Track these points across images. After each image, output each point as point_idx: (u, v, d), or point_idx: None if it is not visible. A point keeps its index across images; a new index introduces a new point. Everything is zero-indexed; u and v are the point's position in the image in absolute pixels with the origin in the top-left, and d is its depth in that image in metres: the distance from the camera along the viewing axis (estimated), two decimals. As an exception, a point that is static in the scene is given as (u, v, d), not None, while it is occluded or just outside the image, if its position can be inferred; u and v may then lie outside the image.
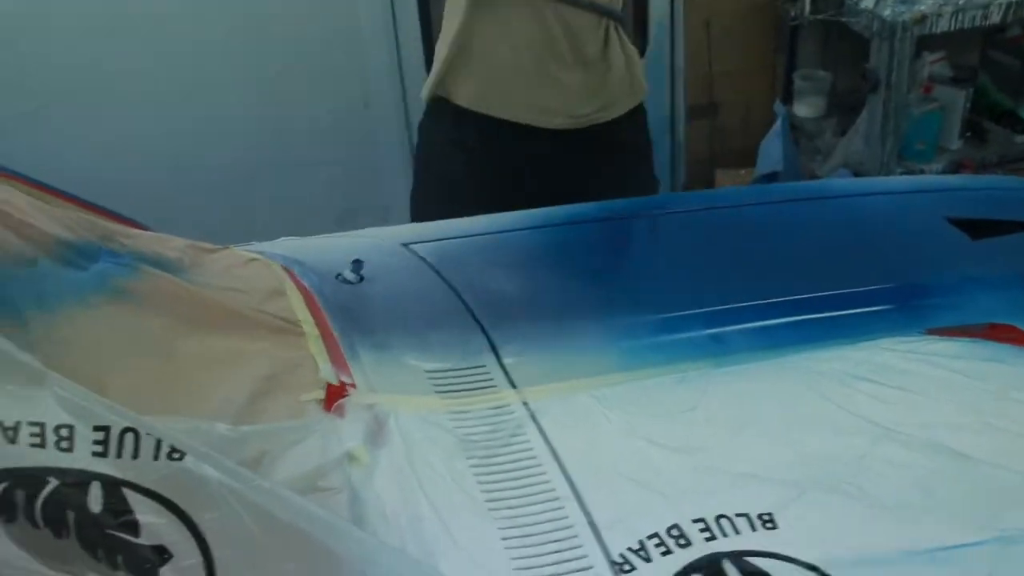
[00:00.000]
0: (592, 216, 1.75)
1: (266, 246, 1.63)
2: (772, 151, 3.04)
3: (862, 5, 2.82)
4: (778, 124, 3.03)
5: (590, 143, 1.99)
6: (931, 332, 1.43)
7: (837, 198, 1.82)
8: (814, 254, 1.64)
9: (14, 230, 1.24)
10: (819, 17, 2.96)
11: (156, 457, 0.88)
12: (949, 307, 1.50)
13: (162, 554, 0.84)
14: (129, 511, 0.85)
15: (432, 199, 2.05)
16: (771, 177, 3.07)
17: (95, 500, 0.85)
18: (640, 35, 3.25)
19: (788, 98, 3.37)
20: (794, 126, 3.31)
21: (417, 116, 3.08)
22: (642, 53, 3.27)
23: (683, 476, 1.17)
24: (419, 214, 2.07)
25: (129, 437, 0.89)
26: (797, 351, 1.37)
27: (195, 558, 0.85)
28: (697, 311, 1.45)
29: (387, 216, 3.21)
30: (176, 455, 0.87)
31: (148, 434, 0.88)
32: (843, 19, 2.88)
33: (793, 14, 3.05)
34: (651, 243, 1.67)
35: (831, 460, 1.19)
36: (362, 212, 2.84)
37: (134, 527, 0.85)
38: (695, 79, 3.33)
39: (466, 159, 1.98)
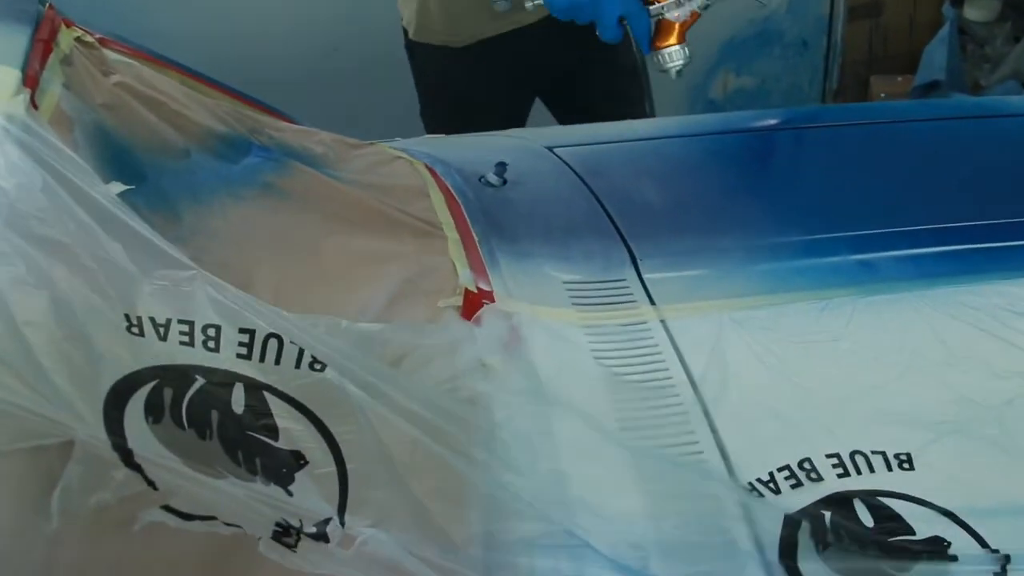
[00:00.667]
0: (741, 126, 1.69)
1: (411, 143, 1.63)
2: (936, 58, 2.87)
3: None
4: (945, 29, 2.85)
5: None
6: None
7: (1006, 117, 1.71)
8: (975, 179, 1.55)
9: (169, 121, 1.27)
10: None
11: (298, 365, 0.90)
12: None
13: (299, 459, 0.86)
14: (269, 414, 0.88)
15: (442, 119, 2.01)
16: (932, 86, 2.90)
17: (238, 401, 0.88)
18: (804, -74, 3.09)
19: (958, 2, 3.16)
20: (963, 30, 3.11)
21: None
22: (804, -54, 3.12)
23: (820, 409, 1.15)
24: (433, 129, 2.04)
25: (273, 343, 0.91)
26: (951, 283, 1.31)
27: (330, 467, 0.87)
28: (846, 234, 1.40)
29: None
30: (317, 366, 0.89)
31: (292, 342, 0.90)
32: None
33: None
34: (800, 158, 1.60)
35: (978, 402, 1.15)
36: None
37: (274, 431, 0.87)
38: (859, -25, 3.16)
39: (466, 81, 1.95)
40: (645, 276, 1.33)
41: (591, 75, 2.00)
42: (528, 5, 1.36)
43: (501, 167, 1.50)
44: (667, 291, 1.30)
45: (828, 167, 1.58)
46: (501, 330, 1.20)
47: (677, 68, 1.29)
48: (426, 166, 1.51)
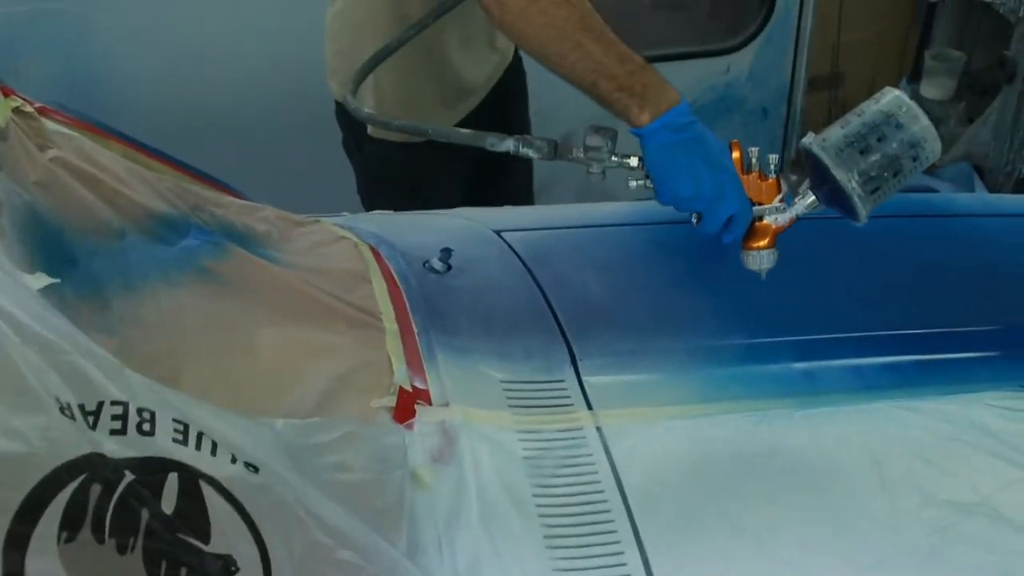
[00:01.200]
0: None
1: (359, 219, 1.61)
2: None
3: (1010, -12, 2.64)
4: (902, 108, 2.88)
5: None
6: (1040, 386, 1.36)
7: (955, 217, 1.73)
8: (920, 282, 1.55)
9: (106, 199, 1.24)
10: (960, -2, 2.78)
11: (233, 462, 0.87)
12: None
13: (230, 567, 0.83)
14: (204, 511, 0.84)
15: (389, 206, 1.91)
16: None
17: (170, 496, 0.84)
18: (767, -2, 3.11)
19: (916, 76, 3.20)
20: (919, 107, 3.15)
21: (532, 64, 3.03)
22: (768, 17, 3.14)
23: (752, 531, 1.14)
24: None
25: (206, 440, 0.88)
26: (890, 397, 1.31)
27: (257, 572, 0.84)
28: (787, 339, 1.40)
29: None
30: (252, 468, 0.87)
31: (224, 442, 0.88)
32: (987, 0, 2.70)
33: (934, -10, 2.88)
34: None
35: (912, 530, 1.14)
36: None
37: (206, 532, 0.84)
38: (820, 48, 3.18)
39: (420, 173, 1.94)
40: (584, 378, 1.32)
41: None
42: (632, 185, 1.28)
43: (446, 253, 1.49)
44: (605, 395, 1.29)
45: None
46: (433, 438, 1.18)
47: (765, 270, 1.27)
48: (370, 247, 1.50)
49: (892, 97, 1.20)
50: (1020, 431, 1.27)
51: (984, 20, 3.00)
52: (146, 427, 0.85)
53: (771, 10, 3.10)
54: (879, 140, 1.17)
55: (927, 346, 1.41)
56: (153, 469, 0.85)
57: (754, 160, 1.25)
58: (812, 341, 1.39)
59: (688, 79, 3.20)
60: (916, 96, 3.15)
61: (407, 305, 1.38)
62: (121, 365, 0.88)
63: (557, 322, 1.40)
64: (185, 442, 0.87)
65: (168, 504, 0.83)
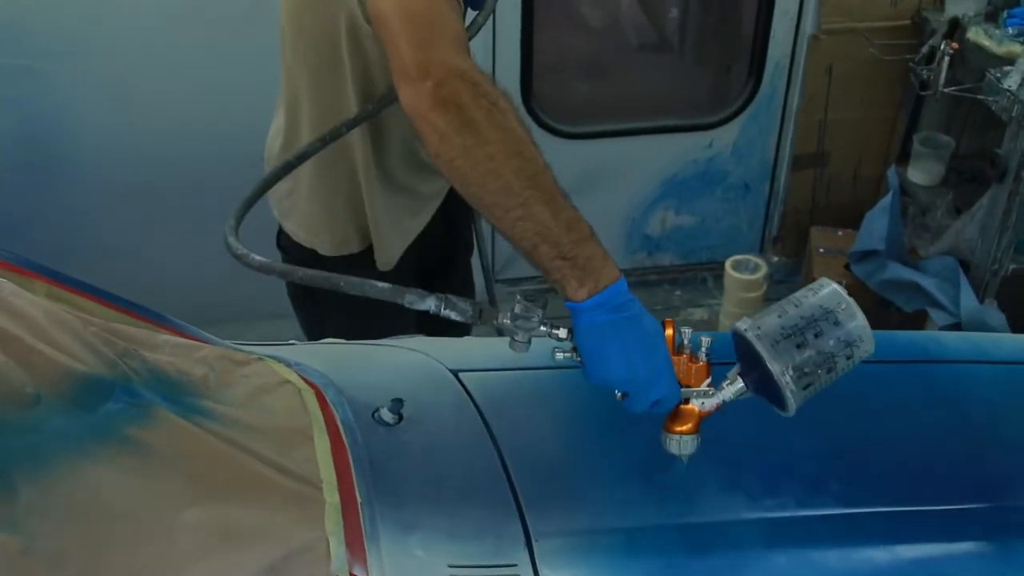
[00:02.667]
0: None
1: (306, 353, 1.51)
2: (876, 227, 2.82)
3: (1005, 84, 2.56)
4: (888, 199, 2.81)
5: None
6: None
7: (937, 363, 1.63)
8: (886, 447, 1.45)
9: (20, 360, 1.13)
10: (953, 91, 2.70)
11: None
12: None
13: None
14: None
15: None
16: (869, 254, 2.85)
17: None
18: (755, 74, 3.03)
19: (904, 159, 3.12)
20: (906, 191, 3.08)
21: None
22: (754, 93, 3.06)
23: None
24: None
25: None
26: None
27: None
28: (736, 518, 1.30)
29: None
30: None
31: None
32: (980, 96, 2.62)
33: (925, 78, 2.79)
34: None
35: None
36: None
37: None
38: (806, 126, 3.11)
39: None
40: (538, 560, 1.21)
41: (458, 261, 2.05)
42: (559, 356, 1.21)
43: (397, 403, 1.38)
44: (559, 584, 1.19)
45: (735, 425, 1.47)
46: (368, 644, 1.08)
47: (686, 455, 1.21)
48: (316, 392, 1.39)
49: (830, 291, 1.16)
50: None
51: (974, 107, 2.92)
52: None
53: (757, 86, 3.03)
54: (816, 336, 1.13)
55: (888, 531, 1.30)
56: None
57: (686, 341, 1.21)
58: (760, 521, 1.30)
59: (670, 152, 3.13)
60: (904, 180, 3.08)
61: (352, 469, 1.27)
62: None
63: (513, 491, 1.29)
64: None
65: None
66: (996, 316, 2.60)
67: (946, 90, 2.68)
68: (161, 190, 2.74)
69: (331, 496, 1.23)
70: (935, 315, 2.70)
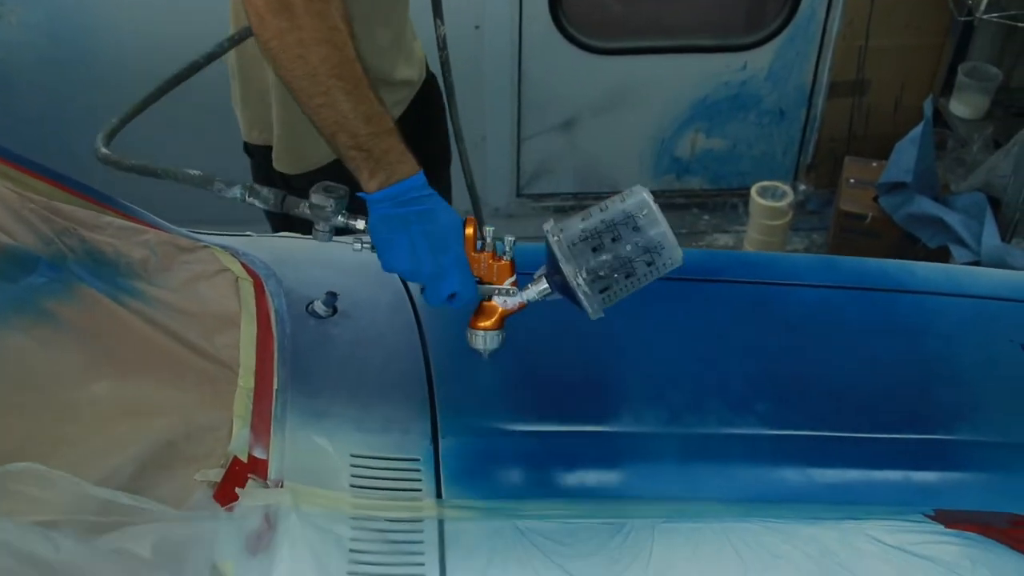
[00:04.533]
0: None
1: (255, 245, 1.53)
2: (904, 158, 2.72)
3: (1049, 13, 2.44)
4: (918, 129, 2.70)
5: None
6: (940, 514, 1.24)
7: (903, 293, 1.59)
8: (839, 373, 1.43)
9: (-51, 229, 1.18)
10: (994, 17, 2.58)
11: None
12: (975, 484, 1.31)
13: None
14: None
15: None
16: (897, 186, 2.76)
17: None
18: (793, -5, 2.93)
19: (947, 90, 3.00)
20: (946, 124, 2.97)
21: (531, 43, 2.91)
22: (792, 14, 2.97)
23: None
24: None
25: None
26: (768, 515, 1.21)
27: None
28: (669, 431, 1.29)
29: (482, 146, 3.06)
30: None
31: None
32: (1020, 24, 2.50)
33: (968, 1, 2.67)
34: (650, 317, 1.45)
35: None
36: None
37: None
38: (845, 52, 2.99)
39: None
40: (442, 458, 1.23)
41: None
42: (355, 246, 1.25)
43: (331, 297, 1.40)
44: (460, 482, 1.21)
45: (679, 333, 1.46)
46: (252, 523, 1.10)
47: (489, 351, 1.25)
48: (256, 282, 1.42)
49: (639, 199, 1.16)
50: (902, 570, 1.16)
51: (1025, 39, 2.79)
52: None
53: (795, 8, 2.93)
54: (613, 240, 1.15)
55: (824, 454, 1.30)
56: None
57: (489, 240, 1.23)
58: (696, 436, 1.29)
59: (702, 73, 3.06)
60: (945, 112, 2.96)
61: (274, 355, 1.30)
62: None
63: (430, 390, 1.31)
64: None
65: None
66: (1019, 255, 2.50)
67: (985, 16, 2.56)
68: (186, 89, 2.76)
69: (246, 381, 1.26)
70: (956, 252, 2.62)
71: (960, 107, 2.95)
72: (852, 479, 1.29)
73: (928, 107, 2.75)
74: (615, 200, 1.16)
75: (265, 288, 1.42)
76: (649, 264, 1.14)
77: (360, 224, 1.23)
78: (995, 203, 2.66)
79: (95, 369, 1.19)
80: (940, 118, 2.99)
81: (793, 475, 1.28)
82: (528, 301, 1.23)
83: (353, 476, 1.20)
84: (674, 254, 1.15)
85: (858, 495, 1.27)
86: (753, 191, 3.02)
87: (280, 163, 1.81)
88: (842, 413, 1.36)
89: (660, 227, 1.14)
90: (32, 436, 1.10)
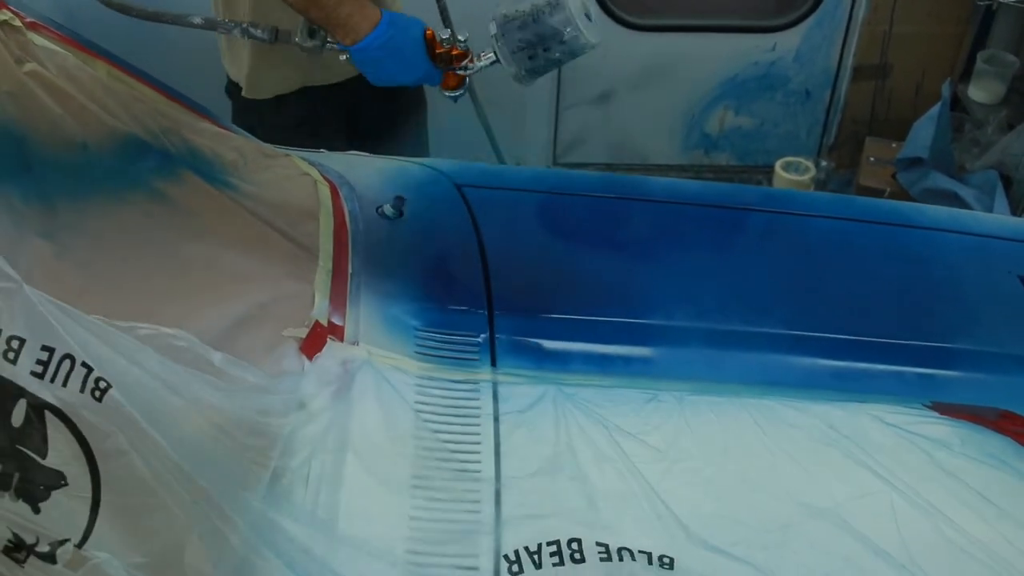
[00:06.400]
0: (654, 194, 1.74)
1: (330, 158, 1.70)
2: (922, 135, 2.88)
3: (1064, 0, 2.59)
4: (936, 108, 2.85)
5: None
6: (936, 406, 1.39)
7: (912, 228, 1.74)
8: (848, 287, 1.58)
9: (73, 114, 1.35)
10: (1013, 2, 2.73)
11: (82, 389, 0.98)
12: (970, 383, 1.45)
13: (61, 479, 0.95)
14: (44, 433, 0.96)
15: None
16: (915, 162, 2.91)
17: (19, 415, 0.96)
18: (822, -21, 3.09)
19: (966, 76, 3.15)
20: (964, 108, 3.11)
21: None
22: (820, 0, 3.12)
23: (609, 498, 1.21)
24: None
25: (66, 363, 0.99)
26: (783, 396, 1.36)
27: (86, 493, 0.95)
28: (698, 325, 1.45)
29: (522, 114, 3.22)
30: (97, 393, 0.97)
31: (83, 364, 0.99)
32: (1038, 11, 2.65)
33: (988, -8, 2.83)
34: (687, 235, 1.64)
35: (755, 522, 1.21)
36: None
37: (43, 449, 0.95)
38: (870, 36, 3.15)
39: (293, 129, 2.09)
40: (497, 335, 1.39)
41: (397, 126, 2.29)
42: (342, 59, 1.70)
43: (399, 201, 1.57)
44: (510, 355, 1.37)
45: (712, 249, 1.62)
46: (332, 371, 1.27)
47: (457, 98, 1.79)
48: (331, 187, 1.58)
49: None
50: (897, 446, 1.31)
51: (1043, 28, 2.93)
52: (11, 356, 0.98)
53: (821, -7, 3.09)
54: (534, 20, 1.62)
55: (836, 351, 1.45)
56: (7, 392, 0.97)
57: (444, 37, 1.72)
58: (720, 330, 1.44)
59: (733, 52, 3.21)
60: (964, 97, 3.11)
61: (348, 246, 1.47)
62: (21, 284, 1.00)
63: (486, 277, 1.47)
64: (42, 375, 0.98)
65: (16, 421, 0.96)
66: (1028, 229, 2.64)
67: (1004, 1, 2.71)
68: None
69: (325, 263, 1.43)
70: (969, 224, 2.76)
71: (978, 92, 3.10)
72: (859, 370, 1.43)
73: (946, 89, 2.90)
74: None
75: (339, 191, 1.58)
76: (562, 42, 1.62)
77: (343, 57, 1.70)
78: (1007, 180, 2.81)
79: (199, 239, 1.36)
80: (958, 103, 3.14)
81: (806, 365, 1.43)
82: (481, 68, 1.72)
83: (418, 345, 1.36)
84: (584, 39, 1.61)
85: (864, 386, 1.41)
86: (777, 166, 3.17)
87: (249, 90, 2.01)
88: (852, 319, 1.51)
89: (569, 9, 1.59)
90: (141, 287, 1.28)
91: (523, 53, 1.65)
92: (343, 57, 1.70)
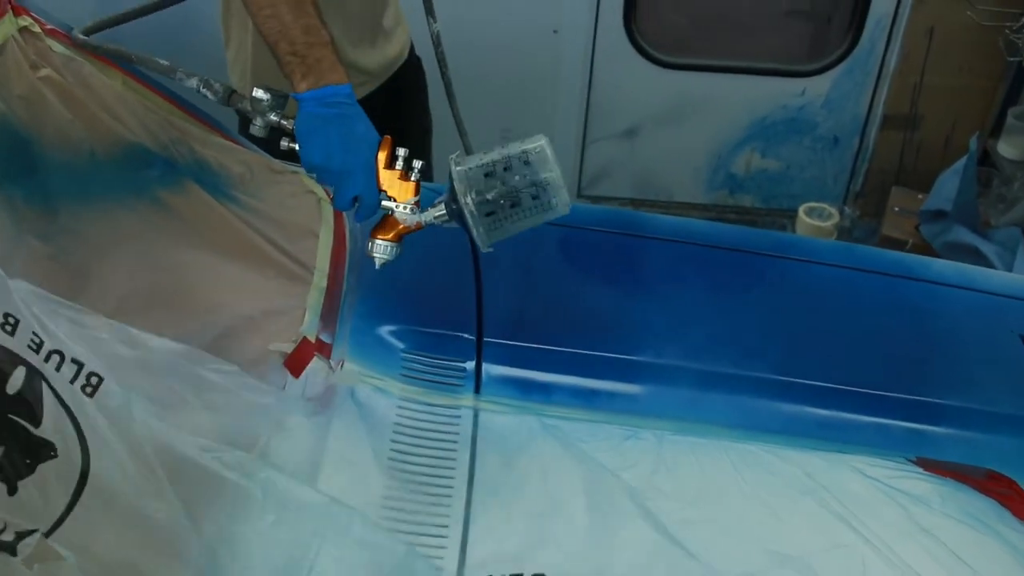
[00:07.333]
0: (658, 231, 1.74)
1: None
2: (947, 188, 2.86)
3: (1095, 61, 2.57)
4: (963, 161, 2.84)
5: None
6: (920, 461, 1.39)
7: (915, 280, 1.73)
8: (843, 336, 1.58)
9: (83, 120, 1.38)
10: (1044, 60, 2.71)
11: (73, 382, 1.01)
12: (958, 441, 1.44)
13: (50, 451, 0.97)
14: (40, 400, 0.98)
15: None
16: (938, 214, 2.89)
17: (15, 383, 0.99)
18: (855, 28, 3.08)
19: (997, 131, 3.13)
20: (992, 164, 3.09)
21: (603, 51, 3.10)
22: (852, 47, 3.12)
23: (578, 536, 1.22)
24: None
25: (55, 356, 1.02)
26: (764, 441, 1.36)
27: (74, 468, 0.97)
28: (687, 365, 1.45)
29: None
30: (88, 389, 1.00)
31: (73, 360, 1.01)
32: (1068, 71, 2.63)
33: (1020, 46, 2.81)
34: (686, 274, 1.63)
35: (721, 566, 1.20)
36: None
37: (37, 418, 0.98)
38: (900, 86, 3.14)
39: None
40: (484, 363, 1.40)
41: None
42: (283, 143, 1.37)
43: (399, 224, 1.57)
44: (495, 384, 1.38)
45: (707, 291, 1.62)
46: (316, 388, 1.29)
47: (381, 261, 1.34)
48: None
49: (536, 140, 1.26)
50: (875, 499, 1.31)
51: (1076, 87, 2.91)
52: (8, 328, 1.00)
53: (855, 41, 3.08)
54: (505, 170, 1.25)
55: (823, 400, 1.44)
56: (7, 358, 1.00)
57: (400, 160, 1.33)
58: (706, 372, 1.44)
59: (762, 95, 3.21)
60: (993, 152, 3.09)
61: (346, 264, 1.49)
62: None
63: (479, 306, 1.48)
64: (37, 352, 1.00)
65: (11, 389, 0.98)
66: (1048, 289, 2.61)
67: (1034, 58, 2.69)
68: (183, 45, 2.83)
69: (319, 280, 1.45)
70: (988, 281, 2.73)
71: (1008, 148, 3.08)
72: (845, 421, 1.42)
73: (974, 143, 2.88)
74: (515, 142, 1.28)
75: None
76: (535, 198, 1.26)
77: (289, 125, 1.35)
78: (1029, 238, 2.78)
79: (195, 249, 1.39)
80: (987, 157, 3.12)
81: (792, 412, 1.43)
82: (425, 223, 1.34)
83: (404, 368, 1.38)
84: (561, 195, 1.25)
85: (849, 436, 1.40)
86: (801, 211, 3.17)
87: None
88: (843, 369, 1.50)
89: (550, 168, 1.25)
90: (134, 292, 1.30)
91: (487, 206, 1.27)
92: (285, 143, 1.35)
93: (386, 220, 1.35)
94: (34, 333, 1.03)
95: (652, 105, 3.24)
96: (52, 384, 1.03)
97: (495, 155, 1.27)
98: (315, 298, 1.41)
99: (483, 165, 1.26)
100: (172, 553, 1.01)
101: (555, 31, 3.07)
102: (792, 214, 3.31)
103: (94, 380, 1.05)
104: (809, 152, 3.33)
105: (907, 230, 3.05)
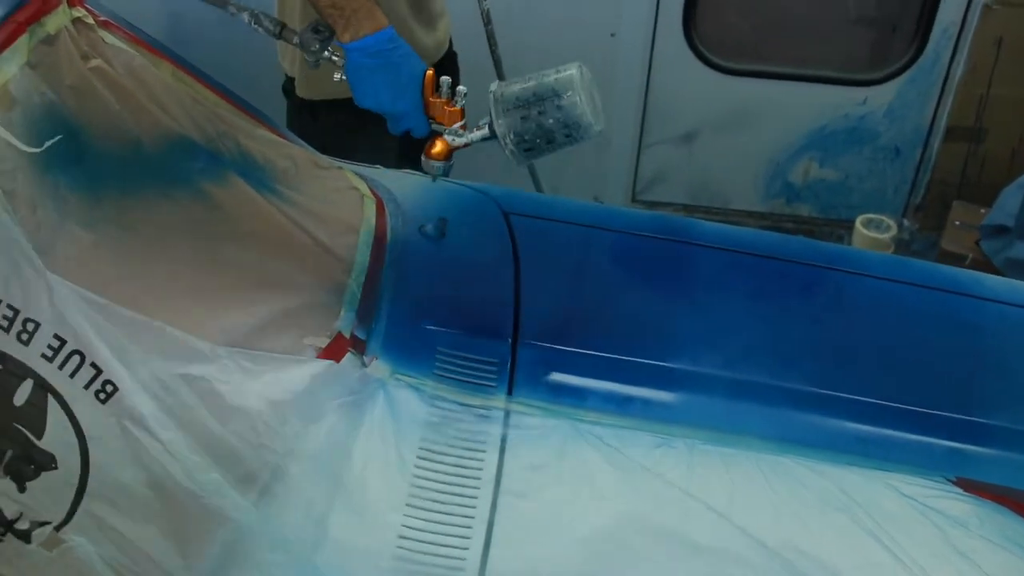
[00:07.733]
0: (702, 238, 1.72)
1: (382, 175, 1.73)
2: (1009, 202, 2.79)
3: None
4: (1025, 176, 2.77)
5: None
6: (960, 481, 1.35)
7: (966, 296, 1.69)
8: (887, 351, 1.54)
9: (131, 111, 1.40)
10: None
11: (87, 387, 1.02)
12: (1002, 462, 1.40)
13: (52, 462, 0.98)
14: (44, 416, 1.00)
15: None
16: (1000, 230, 2.82)
17: (22, 395, 1.00)
18: (920, 37, 3.02)
19: (1066, 146, 3.06)
20: (1060, 179, 3.01)
21: (662, 55, 3.08)
22: (917, 56, 3.06)
23: (604, 548, 1.21)
24: None
25: (75, 358, 1.03)
26: (798, 454, 1.34)
27: (74, 482, 0.98)
28: (723, 374, 1.43)
29: (607, 148, 3.23)
30: (103, 396, 1.01)
31: (92, 364, 1.02)
32: None
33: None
34: (729, 282, 1.61)
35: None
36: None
37: (41, 430, 0.99)
38: (966, 98, 3.07)
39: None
40: (518, 365, 1.40)
41: None
42: (336, 77, 1.55)
43: (441, 222, 1.59)
44: (528, 386, 1.37)
45: (750, 300, 1.59)
46: (348, 384, 1.29)
47: (434, 174, 1.53)
48: (378, 202, 1.61)
49: (567, 76, 1.42)
50: (910, 518, 1.27)
51: None
52: (24, 337, 1.01)
53: (920, 50, 3.02)
54: (539, 113, 1.42)
55: (863, 414, 1.41)
56: (16, 370, 1.01)
57: (445, 88, 1.51)
58: (744, 381, 1.42)
59: (823, 103, 3.17)
60: (1060, 167, 3.01)
61: (385, 261, 1.49)
62: (44, 271, 1.04)
63: (516, 307, 1.47)
64: (52, 359, 1.02)
65: (17, 401, 0.99)
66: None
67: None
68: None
69: (358, 276, 1.45)
70: (1050, 300, 2.66)
71: (1076, 164, 3.00)
72: (885, 437, 1.39)
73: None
74: (549, 71, 1.43)
75: (385, 207, 1.61)
76: (568, 136, 1.43)
77: (340, 60, 1.53)
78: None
79: (235, 241, 1.40)
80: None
81: (830, 426, 1.40)
82: (471, 142, 1.50)
83: (437, 366, 1.38)
84: (590, 130, 1.42)
85: (888, 453, 1.37)
86: (858, 222, 3.11)
87: (301, 89, 2.04)
88: (886, 384, 1.46)
89: (581, 107, 1.40)
90: (169, 284, 1.32)
91: (525, 143, 1.44)
92: (337, 76, 1.54)
93: (436, 140, 1.52)
94: (55, 336, 1.04)
95: (710, 111, 3.21)
96: (62, 394, 1.04)
97: (529, 93, 1.42)
98: (352, 293, 1.41)
99: (520, 105, 1.43)
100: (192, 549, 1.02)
101: (613, 34, 3.05)
102: (849, 225, 3.26)
103: (109, 388, 1.06)
104: (869, 162, 3.28)
105: (967, 245, 2.98)
